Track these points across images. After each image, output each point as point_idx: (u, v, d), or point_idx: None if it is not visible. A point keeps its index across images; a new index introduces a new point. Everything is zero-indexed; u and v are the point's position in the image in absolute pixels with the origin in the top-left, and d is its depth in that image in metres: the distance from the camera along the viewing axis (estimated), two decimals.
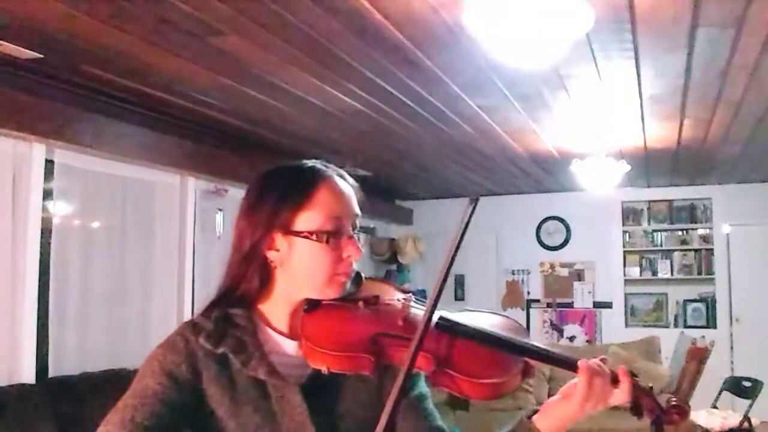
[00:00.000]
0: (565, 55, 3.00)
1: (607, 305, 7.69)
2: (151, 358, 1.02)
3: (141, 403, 0.96)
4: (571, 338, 7.73)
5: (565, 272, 7.89)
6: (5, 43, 2.97)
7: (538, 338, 7.78)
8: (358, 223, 1.12)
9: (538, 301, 7.98)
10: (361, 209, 1.14)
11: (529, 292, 8.02)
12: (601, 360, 1.03)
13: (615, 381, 1.01)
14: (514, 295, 8.06)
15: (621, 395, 1.01)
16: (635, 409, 1.03)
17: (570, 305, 7.84)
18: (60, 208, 3.89)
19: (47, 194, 3.68)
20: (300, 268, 1.06)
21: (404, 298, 1.11)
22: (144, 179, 4.38)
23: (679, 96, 3.99)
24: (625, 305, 7.65)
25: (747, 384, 5.19)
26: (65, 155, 3.77)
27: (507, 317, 1.14)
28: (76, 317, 3.88)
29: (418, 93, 3.86)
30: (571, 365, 1.02)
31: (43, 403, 3.28)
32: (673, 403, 1.04)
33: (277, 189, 1.08)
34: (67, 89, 3.67)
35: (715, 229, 7.34)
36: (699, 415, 5.04)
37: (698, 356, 5.22)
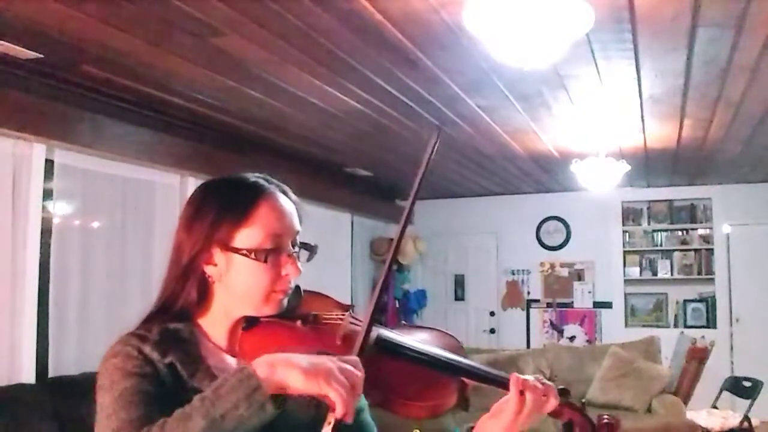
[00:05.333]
0: (565, 55, 3.00)
1: (607, 305, 7.69)
2: (112, 370, 0.99)
3: (128, 402, 0.94)
4: (571, 338, 7.73)
5: (565, 272, 7.89)
6: (5, 43, 2.97)
7: (538, 338, 7.79)
8: (298, 239, 1.09)
9: (538, 301, 7.97)
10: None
11: (529, 292, 8.02)
12: (536, 379, 1.05)
13: (545, 395, 1.04)
14: (514, 295, 8.06)
15: (548, 407, 1.04)
16: (567, 426, 1.06)
17: (570, 305, 7.84)
18: (60, 208, 3.89)
19: (47, 194, 3.67)
20: (237, 285, 1.05)
21: (343, 315, 1.09)
22: (144, 179, 4.38)
23: (679, 96, 3.99)
24: (625, 305, 7.65)
25: (747, 384, 5.20)
26: (65, 155, 3.77)
27: (444, 333, 1.14)
28: (76, 317, 3.87)
29: (418, 93, 3.86)
30: (503, 384, 1.04)
31: (43, 403, 3.28)
32: (605, 420, 1.06)
33: (218, 203, 1.06)
34: (67, 89, 3.67)
35: (715, 229, 7.34)
36: (699, 415, 5.05)
37: (698, 356, 5.22)
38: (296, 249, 1.08)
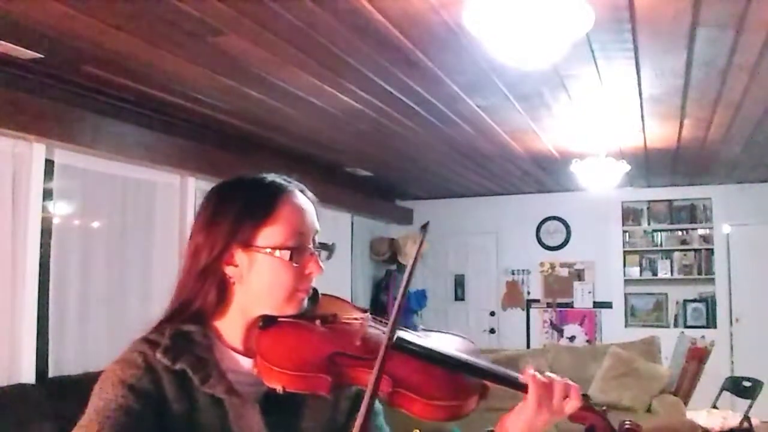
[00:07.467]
0: (565, 55, 3.01)
1: (607, 305, 7.69)
2: (109, 374, 0.98)
3: (105, 416, 0.92)
4: (571, 338, 7.73)
5: (565, 272, 7.89)
6: (5, 43, 2.97)
7: (538, 338, 7.79)
8: (317, 238, 1.08)
9: (538, 301, 7.97)
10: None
11: (529, 292, 8.02)
12: (561, 377, 1.04)
13: (565, 396, 1.02)
14: (514, 295, 8.06)
15: (569, 408, 1.02)
16: (589, 431, 1.05)
17: (570, 305, 7.84)
18: (60, 208, 3.89)
19: (47, 194, 3.67)
20: (260, 285, 1.03)
21: (362, 317, 1.08)
22: (144, 179, 4.38)
23: (679, 96, 3.99)
24: (625, 305, 7.65)
25: (747, 384, 5.19)
26: (65, 155, 3.77)
27: (463, 338, 1.13)
28: (76, 317, 3.88)
29: (418, 93, 3.86)
30: (526, 388, 1.03)
31: (43, 403, 3.28)
32: (627, 426, 1.05)
33: (238, 203, 1.05)
34: (67, 89, 3.68)
35: (715, 229, 7.34)
36: (699, 415, 5.04)
37: (698, 356, 5.22)
38: (316, 248, 1.07)
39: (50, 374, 3.64)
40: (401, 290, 0.98)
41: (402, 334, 1.04)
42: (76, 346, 3.85)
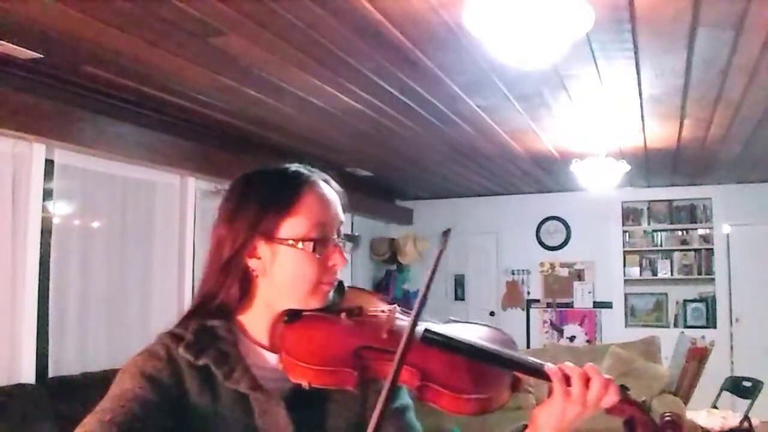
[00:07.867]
0: (565, 55, 3.01)
1: (607, 305, 7.69)
2: (130, 365, 0.97)
3: (119, 405, 0.91)
4: (571, 338, 7.73)
5: (565, 272, 7.89)
6: (5, 43, 2.97)
7: (538, 338, 7.79)
8: (342, 230, 1.06)
9: (538, 301, 7.98)
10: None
11: (529, 292, 8.02)
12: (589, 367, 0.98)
13: (605, 388, 0.96)
14: (514, 295, 8.06)
15: (606, 402, 0.97)
16: (628, 424, 1.00)
17: (570, 305, 7.84)
18: (60, 208, 3.89)
19: (47, 194, 3.68)
20: (283, 277, 1.01)
21: (389, 310, 1.05)
22: (144, 179, 4.39)
23: (679, 96, 3.99)
24: (625, 305, 7.65)
25: (747, 384, 5.19)
26: (65, 155, 3.77)
27: (495, 328, 1.09)
28: (76, 317, 3.88)
29: (418, 93, 3.86)
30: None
31: (43, 403, 3.28)
32: (667, 418, 1.01)
33: (260, 194, 1.03)
34: (67, 89, 3.68)
35: (715, 229, 7.34)
36: (699, 415, 5.04)
37: (698, 356, 5.22)
38: (340, 239, 1.05)
39: (50, 374, 3.64)
40: (423, 288, 0.95)
41: (429, 325, 1.01)
42: (76, 346, 3.85)
